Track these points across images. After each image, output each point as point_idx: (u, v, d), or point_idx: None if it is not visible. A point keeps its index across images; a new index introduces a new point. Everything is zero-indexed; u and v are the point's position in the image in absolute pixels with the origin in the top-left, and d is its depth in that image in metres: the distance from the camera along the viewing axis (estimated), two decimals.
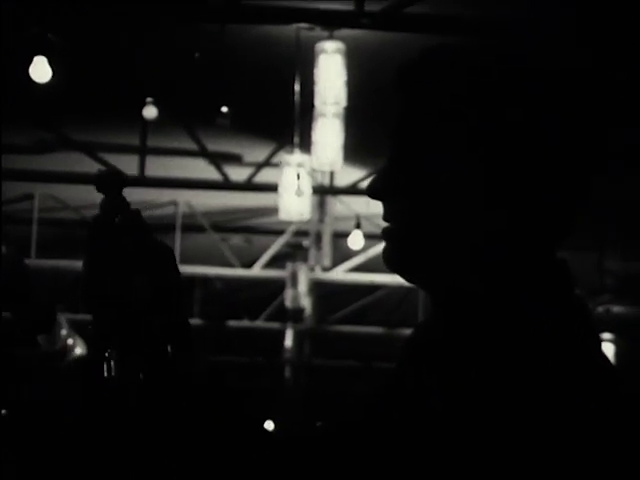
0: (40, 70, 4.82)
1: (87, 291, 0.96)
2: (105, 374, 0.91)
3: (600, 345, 0.96)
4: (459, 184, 0.94)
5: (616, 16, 4.58)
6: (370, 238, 7.12)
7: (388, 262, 0.98)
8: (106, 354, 0.92)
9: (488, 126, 0.94)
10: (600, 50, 4.74)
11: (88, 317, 0.96)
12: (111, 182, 0.96)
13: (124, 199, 0.96)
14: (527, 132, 0.94)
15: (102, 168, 0.98)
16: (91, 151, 6.48)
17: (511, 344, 0.91)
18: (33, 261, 7.41)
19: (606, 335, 9.67)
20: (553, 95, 0.95)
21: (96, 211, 0.98)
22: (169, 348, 0.94)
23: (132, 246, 0.95)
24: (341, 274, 7.95)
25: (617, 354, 9.65)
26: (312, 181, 5.73)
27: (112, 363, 0.92)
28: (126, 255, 0.95)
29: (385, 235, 0.99)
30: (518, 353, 0.91)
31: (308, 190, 5.49)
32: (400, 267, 0.98)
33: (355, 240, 7.43)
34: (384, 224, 0.99)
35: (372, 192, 0.98)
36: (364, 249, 7.55)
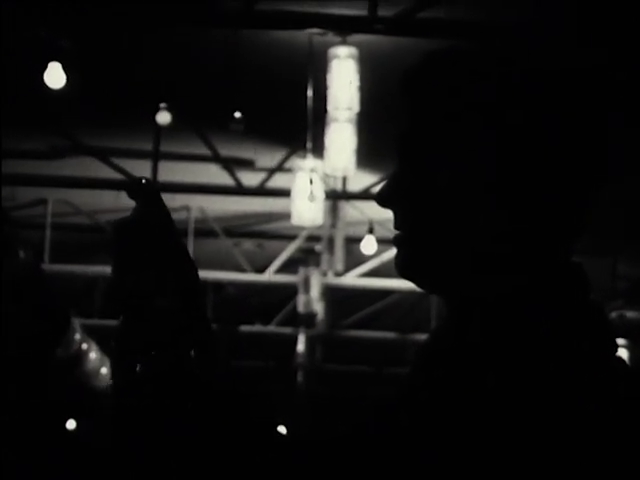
0: (54, 76, 4.84)
1: (115, 294, 0.96)
2: (131, 385, 0.91)
3: (617, 350, 0.95)
4: (466, 188, 0.94)
5: (619, 18, 4.57)
6: (383, 243, 7.11)
7: (400, 269, 0.98)
8: (136, 368, 0.92)
9: (493, 129, 0.94)
10: (606, 51, 4.73)
11: (102, 322, 0.96)
12: (141, 189, 0.96)
13: (157, 204, 0.96)
14: (532, 134, 0.94)
15: (115, 174, 0.99)
16: (104, 156, 6.49)
17: (526, 350, 0.91)
18: (47, 266, 7.43)
19: (620, 340, 9.64)
20: (557, 97, 0.95)
21: (109, 216, 0.98)
22: (192, 353, 0.94)
23: (162, 249, 0.95)
24: (353, 279, 7.94)
25: (631, 359, 9.61)
26: (325, 186, 5.73)
27: (138, 371, 0.92)
28: (156, 258, 0.95)
29: (396, 242, 0.98)
30: (533, 359, 0.90)
31: (321, 195, 5.49)
32: (412, 274, 0.98)
33: (368, 245, 7.42)
34: (395, 231, 0.99)
35: (381, 200, 0.98)
36: (377, 254, 7.54)
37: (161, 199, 0.98)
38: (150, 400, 0.92)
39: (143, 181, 0.97)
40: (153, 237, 0.96)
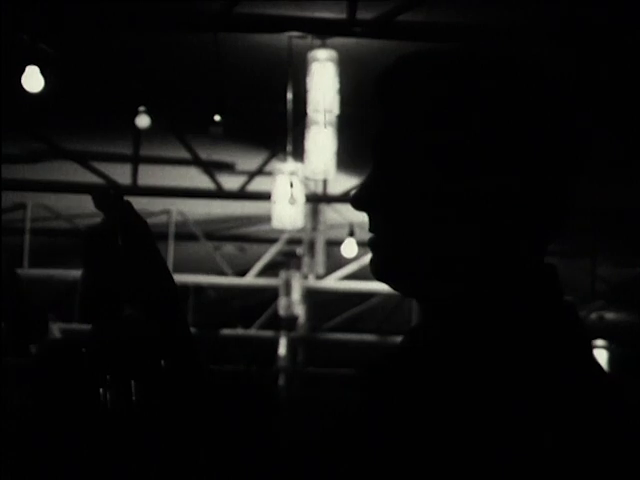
0: (32, 80, 4.82)
1: (85, 301, 0.95)
2: (100, 397, 0.91)
3: (591, 351, 0.95)
4: (438, 191, 0.94)
5: (604, 23, 4.60)
6: (363, 246, 7.13)
7: (374, 272, 0.99)
8: (106, 377, 0.91)
9: (463, 130, 0.94)
10: (584, 52, 4.76)
11: (81, 326, 0.96)
12: (106, 199, 0.96)
13: (124, 209, 0.96)
14: (503, 135, 0.94)
15: (94, 177, 0.98)
16: (84, 160, 6.48)
17: (498, 350, 0.91)
18: (26, 270, 7.40)
19: (599, 342, 9.68)
20: (527, 97, 0.95)
21: (88, 220, 0.98)
22: (163, 362, 0.94)
23: (132, 256, 0.95)
24: (334, 282, 7.95)
25: (610, 360, 9.66)
26: (305, 189, 5.73)
27: (108, 385, 0.91)
28: (125, 265, 0.95)
29: (371, 245, 0.99)
30: (505, 359, 0.90)
31: (301, 198, 5.49)
32: (386, 277, 0.98)
33: (348, 248, 7.44)
34: (370, 234, 0.99)
35: (356, 203, 0.98)
36: (357, 257, 7.56)
37: (129, 207, 0.97)
38: (116, 411, 0.91)
39: (111, 191, 0.97)
40: (122, 243, 0.96)
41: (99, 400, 0.91)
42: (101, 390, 0.91)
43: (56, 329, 7.32)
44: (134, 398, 0.91)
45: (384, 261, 0.98)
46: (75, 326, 7.61)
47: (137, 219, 0.97)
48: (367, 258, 1.05)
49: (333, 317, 8.73)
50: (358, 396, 0.98)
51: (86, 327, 0.96)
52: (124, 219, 0.96)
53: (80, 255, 0.96)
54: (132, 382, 0.92)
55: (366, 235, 1.01)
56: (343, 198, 6.86)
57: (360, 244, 7.26)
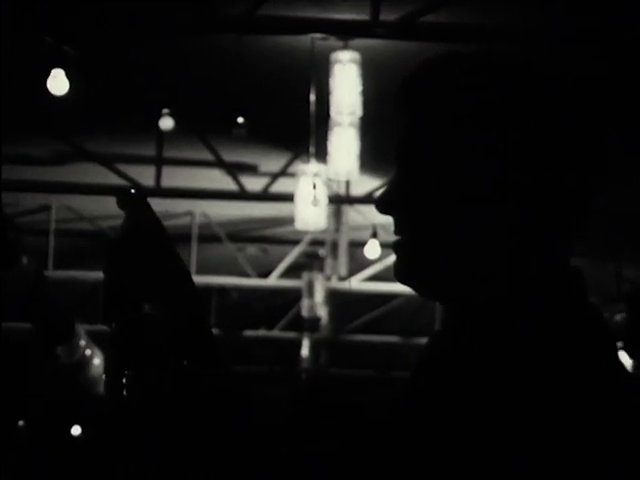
0: (58, 83, 4.84)
1: (107, 304, 0.96)
2: (123, 392, 0.91)
3: (616, 352, 0.95)
4: (464, 194, 0.94)
5: (625, 22, 4.57)
6: (386, 247, 7.12)
7: (398, 275, 0.98)
8: (125, 373, 0.92)
9: (491, 133, 0.94)
10: (609, 57, 4.74)
11: (106, 328, 0.97)
12: (129, 199, 0.97)
13: (144, 211, 0.97)
14: (530, 137, 0.94)
15: (118, 179, 0.99)
16: (107, 162, 6.50)
17: (523, 353, 0.91)
18: (50, 272, 7.44)
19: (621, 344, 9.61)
20: (556, 100, 0.95)
21: (111, 222, 0.99)
22: (186, 362, 0.94)
23: (152, 257, 0.96)
24: (357, 283, 7.94)
25: (634, 362, 9.59)
26: (328, 190, 5.73)
27: (130, 381, 0.92)
28: (146, 267, 0.95)
29: (395, 248, 0.99)
30: (530, 362, 0.90)
31: (324, 199, 5.49)
32: (410, 280, 0.98)
33: (371, 249, 7.42)
34: (395, 236, 0.99)
35: (380, 206, 0.99)
36: (380, 258, 7.54)
37: (149, 207, 0.98)
38: (140, 412, 0.92)
39: (132, 191, 0.98)
40: (142, 246, 0.96)
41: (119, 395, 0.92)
42: (121, 383, 0.92)
43: (82, 331, 7.36)
44: (153, 395, 0.92)
45: (409, 264, 0.98)
46: (100, 328, 7.65)
47: (153, 219, 0.98)
48: (390, 260, 1.05)
49: (356, 318, 8.72)
50: (390, 401, 0.98)
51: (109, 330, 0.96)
52: (142, 220, 0.97)
53: (103, 258, 0.97)
54: (152, 380, 0.92)
55: (389, 236, 1.01)
56: (366, 199, 6.86)
57: (383, 245, 7.25)
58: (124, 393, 0.91)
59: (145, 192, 1.01)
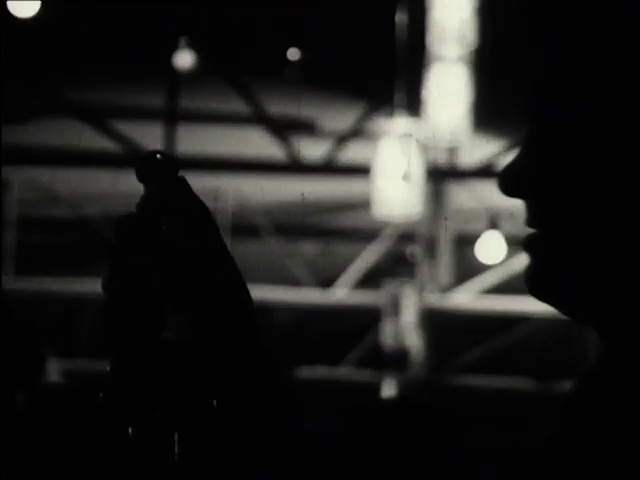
0: (22, 1, 4.90)
1: (112, 310, 0.98)
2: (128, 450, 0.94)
3: None
4: (625, 172, 0.95)
5: None
6: (512, 245, 7.10)
7: (529, 283, 0.99)
8: (130, 432, 0.94)
9: None
10: None
11: (91, 364, 0.99)
12: (155, 168, 0.98)
13: (177, 187, 0.98)
14: None
15: (111, 143, 1.01)
16: (96, 118, 6.57)
17: None
18: (10, 282, 7.52)
19: None
20: None
21: (99, 206, 1.01)
22: (215, 403, 0.96)
23: (185, 248, 0.97)
24: (467, 298, 7.94)
25: None
26: (424, 160, 5.74)
27: (131, 438, 0.94)
28: (175, 260, 0.97)
29: (527, 246, 0.99)
30: None
31: (418, 174, 5.50)
32: (546, 291, 0.99)
33: (488, 248, 7.41)
34: (528, 229, 1.00)
35: (506, 185, 0.99)
36: (502, 261, 7.53)
37: (185, 182, 0.99)
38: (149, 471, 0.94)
39: (158, 156, 0.99)
40: (170, 232, 0.98)
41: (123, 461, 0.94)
42: (126, 442, 0.94)
43: (54, 368, 7.45)
44: (174, 456, 0.94)
45: (545, 268, 0.98)
46: (82, 364, 7.71)
47: (196, 202, 0.99)
48: (520, 263, 1.05)
49: (465, 352, 8.73)
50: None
51: (97, 365, 0.98)
52: (175, 199, 0.99)
53: (109, 247, 0.98)
54: (172, 432, 0.94)
55: (515, 229, 1.02)
56: (481, 172, 6.85)
57: (507, 242, 7.24)
58: (121, 454, 0.93)
59: (178, 159, 1.01)
